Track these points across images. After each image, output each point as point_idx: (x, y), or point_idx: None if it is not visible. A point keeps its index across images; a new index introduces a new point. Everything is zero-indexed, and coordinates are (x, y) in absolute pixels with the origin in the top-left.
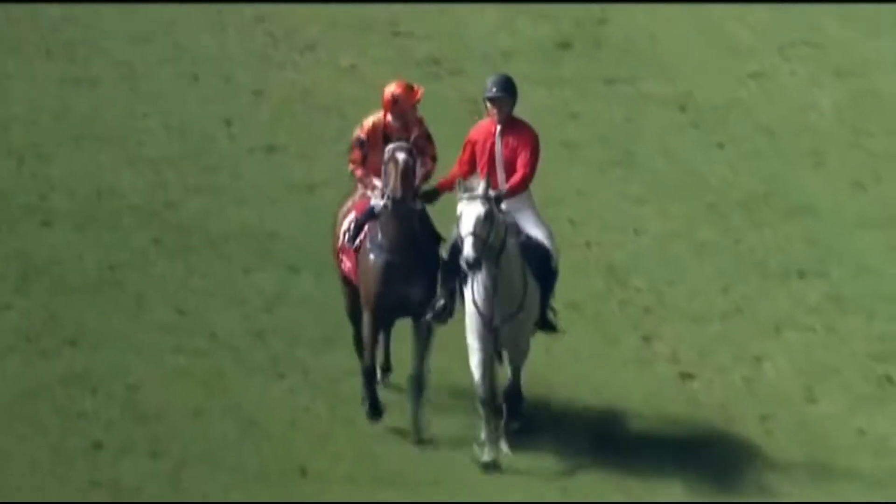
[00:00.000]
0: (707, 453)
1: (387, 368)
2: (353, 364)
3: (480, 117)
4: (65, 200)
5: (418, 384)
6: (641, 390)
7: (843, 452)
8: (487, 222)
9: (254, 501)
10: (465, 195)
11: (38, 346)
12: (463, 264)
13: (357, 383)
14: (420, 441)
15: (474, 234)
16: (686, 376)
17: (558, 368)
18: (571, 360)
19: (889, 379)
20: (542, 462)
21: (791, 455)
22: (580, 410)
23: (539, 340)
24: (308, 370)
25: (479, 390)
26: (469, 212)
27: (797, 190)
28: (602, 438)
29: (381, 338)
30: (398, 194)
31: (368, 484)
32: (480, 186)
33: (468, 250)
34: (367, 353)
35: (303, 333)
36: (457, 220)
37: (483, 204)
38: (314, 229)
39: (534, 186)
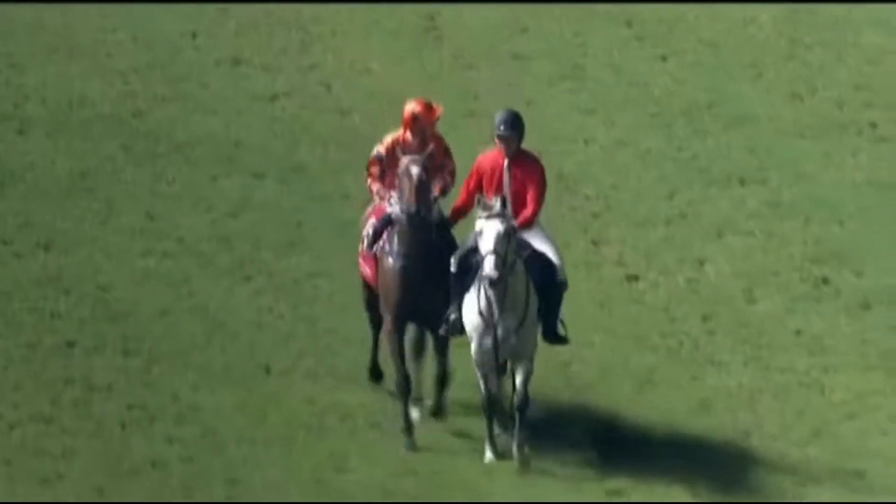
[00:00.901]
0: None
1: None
2: (316, 267)
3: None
4: (38, 109)
5: (442, 380)
6: (590, 292)
7: (781, 351)
8: (506, 239)
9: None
10: (485, 213)
11: (12, 249)
12: (485, 281)
13: (319, 285)
14: (440, 414)
15: (495, 251)
16: (632, 278)
17: None
18: None
19: (825, 280)
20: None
21: (732, 355)
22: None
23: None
24: (272, 272)
25: (483, 397)
26: (489, 229)
27: (738, 100)
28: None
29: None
30: (412, 208)
31: (330, 381)
32: (498, 204)
33: (490, 268)
34: (395, 364)
35: (267, 238)
36: (475, 236)
37: (502, 222)
38: (277, 138)
39: (484, 97)
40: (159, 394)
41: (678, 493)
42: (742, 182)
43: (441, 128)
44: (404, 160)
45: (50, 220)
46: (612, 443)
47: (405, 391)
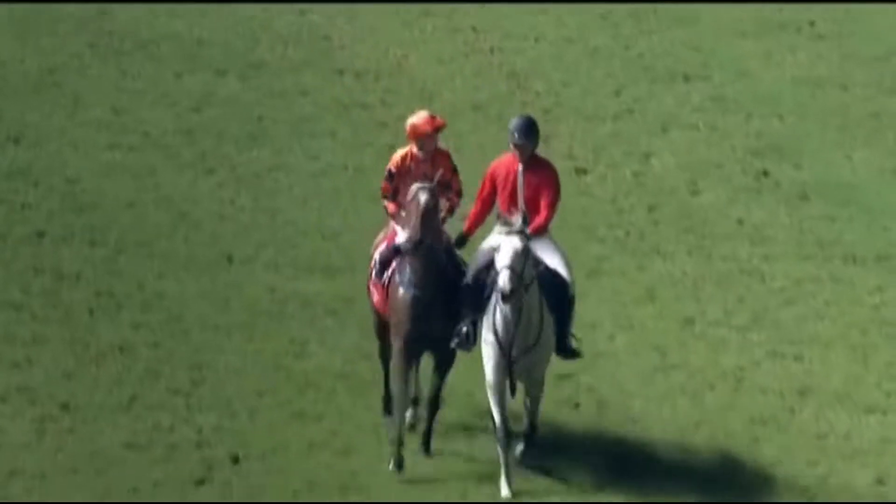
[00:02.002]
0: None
1: (414, 401)
2: (276, 160)
3: None
4: (5, 8)
5: (433, 405)
6: None
7: (724, 240)
8: (523, 256)
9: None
10: (504, 228)
11: None
12: (498, 295)
13: (279, 178)
14: (427, 453)
15: (511, 267)
16: (581, 171)
17: (465, 165)
18: (477, 157)
19: (765, 172)
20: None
21: (676, 245)
22: None
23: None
24: (234, 165)
25: (495, 418)
26: (507, 245)
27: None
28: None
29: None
30: (417, 237)
31: (290, 270)
32: (518, 221)
33: (505, 283)
34: (398, 385)
35: (229, 131)
36: (494, 251)
37: (521, 239)
38: (239, 36)
39: None
40: (126, 282)
41: (625, 378)
42: (686, 78)
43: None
44: (414, 186)
45: (19, 115)
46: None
47: (402, 411)
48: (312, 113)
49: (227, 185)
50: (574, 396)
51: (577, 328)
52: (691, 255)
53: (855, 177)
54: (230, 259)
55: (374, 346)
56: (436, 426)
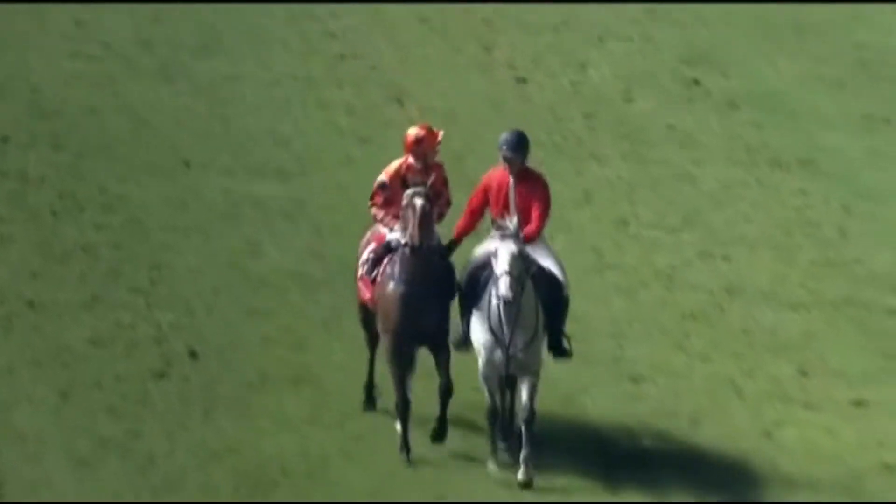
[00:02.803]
0: None
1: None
2: (231, 70)
3: None
4: None
5: (445, 392)
6: (483, 93)
7: (657, 146)
8: (520, 260)
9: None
10: (499, 233)
11: None
12: (500, 301)
13: (234, 87)
14: (441, 437)
15: (510, 273)
16: (521, 80)
17: (409, 74)
18: (422, 67)
19: (696, 81)
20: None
21: (612, 150)
22: None
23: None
24: (191, 74)
25: (487, 400)
26: (504, 250)
27: None
28: None
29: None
30: (416, 242)
31: (245, 174)
32: (513, 225)
33: (506, 289)
34: (396, 387)
35: (187, 41)
36: (486, 254)
37: (516, 243)
38: None
39: None
40: (88, 185)
41: None
42: None
43: None
44: (408, 192)
45: None
46: None
47: (405, 413)
48: (268, 24)
49: (184, 93)
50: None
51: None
52: (626, 160)
53: (781, 84)
54: (187, 164)
55: (324, 246)
56: (446, 413)
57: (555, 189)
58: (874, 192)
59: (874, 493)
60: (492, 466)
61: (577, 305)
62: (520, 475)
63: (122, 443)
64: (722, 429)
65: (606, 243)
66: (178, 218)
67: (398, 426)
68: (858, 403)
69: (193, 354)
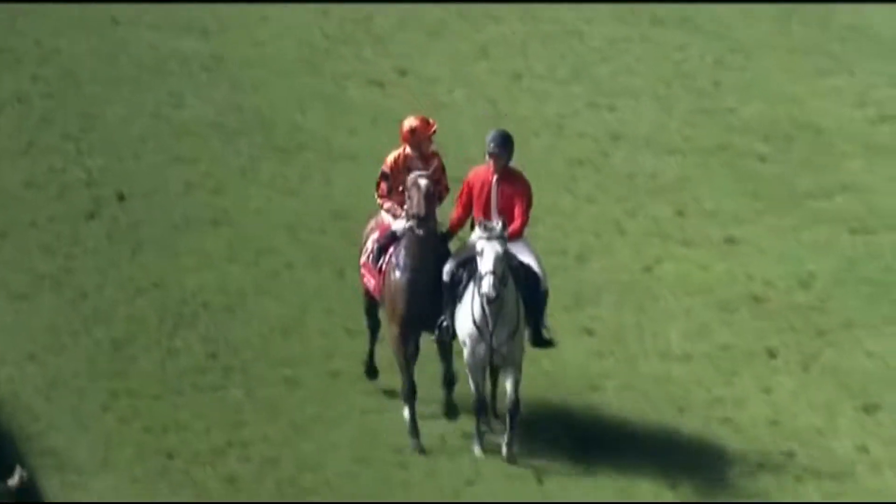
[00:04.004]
0: None
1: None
2: None
3: None
4: None
5: (449, 380)
6: None
7: (549, 4)
8: (504, 260)
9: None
10: (485, 234)
11: None
12: (483, 299)
13: None
14: (453, 414)
15: (494, 272)
16: None
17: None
18: None
19: None
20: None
21: (508, 9)
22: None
23: None
24: None
25: (472, 390)
26: (489, 250)
27: None
28: None
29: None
30: (422, 212)
31: (171, 30)
32: (499, 226)
33: (489, 288)
34: (403, 373)
35: None
36: (471, 251)
37: (501, 243)
38: None
39: None
40: (24, 38)
41: None
42: None
43: None
44: (412, 175)
45: None
46: None
47: (412, 398)
48: None
49: None
50: None
51: (419, 81)
52: (521, 19)
53: None
54: (116, 20)
55: (242, 98)
56: (453, 398)
57: (455, 45)
58: (746, 46)
59: (743, 320)
60: (477, 450)
61: (473, 152)
62: (505, 457)
63: (56, 278)
64: (606, 264)
65: (501, 95)
66: (107, 70)
67: (406, 413)
68: (730, 241)
69: (121, 197)
